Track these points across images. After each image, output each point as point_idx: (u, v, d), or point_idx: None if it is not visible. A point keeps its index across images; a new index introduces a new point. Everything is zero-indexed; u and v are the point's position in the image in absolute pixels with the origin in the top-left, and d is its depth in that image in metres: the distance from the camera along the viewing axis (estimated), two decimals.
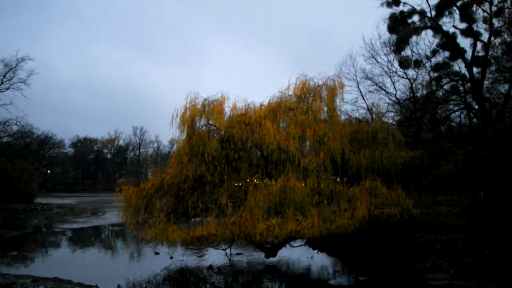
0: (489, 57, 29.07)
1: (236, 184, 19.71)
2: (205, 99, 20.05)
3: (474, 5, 29.49)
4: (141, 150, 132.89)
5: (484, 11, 29.28)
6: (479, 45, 30.45)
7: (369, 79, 36.36)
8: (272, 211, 17.45)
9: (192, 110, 19.75)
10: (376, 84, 36.37)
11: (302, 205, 17.31)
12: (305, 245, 22.18)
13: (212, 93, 20.19)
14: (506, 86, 29.63)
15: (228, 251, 20.57)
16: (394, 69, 35.78)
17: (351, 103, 36.39)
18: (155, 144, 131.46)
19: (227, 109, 20.28)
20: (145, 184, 19.47)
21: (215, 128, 20.21)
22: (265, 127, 18.71)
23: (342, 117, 25.72)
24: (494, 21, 27.86)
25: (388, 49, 35.41)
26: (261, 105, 20.61)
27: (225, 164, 18.81)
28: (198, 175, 18.63)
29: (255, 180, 19.37)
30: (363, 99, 36.58)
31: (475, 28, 30.65)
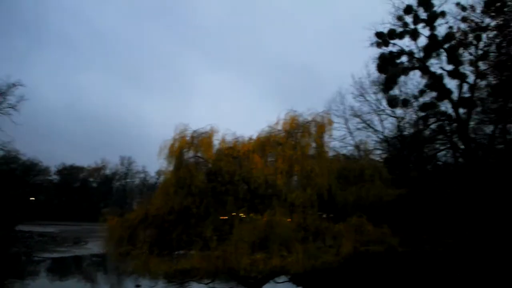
0: (474, 98, 29.68)
1: (222, 217, 19.52)
2: (194, 131, 20.02)
3: (461, 48, 30.36)
4: (128, 180, 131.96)
5: (470, 54, 30.13)
6: (465, 87, 31.12)
7: (358, 116, 36.87)
8: (257, 245, 17.25)
9: (180, 142, 19.69)
10: (364, 122, 36.86)
11: (288, 240, 17.14)
12: (289, 281, 21.91)
13: (201, 125, 20.15)
14: (491, 127, 30.15)
15: (211, 285, 20.22)
16: (382, 108, 36.35)
17: (339, 140, 36.71)
18: (142, 175, 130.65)
19: (216, 142, 20.23)
20: (130, 214, 19.22)
21: (203, 160, 20.13)
22: (253, 161, 18.69)
23: (330, 154, 25.75)
24: (480, 64, 28.63)
25: (376, 87, 36.06)
26: (250, 139, 20.62)
27: (212, 197, 18.69)
28: (184, 207, 18.45)
29: (241, 214, 19.21)
30: (351, 136, 36.99)
31: (461, 70, 31.38)
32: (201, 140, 19.85)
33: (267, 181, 18.73)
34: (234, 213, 19.49)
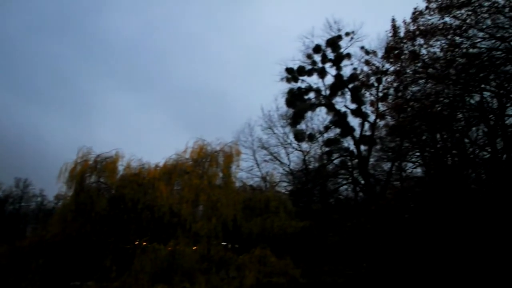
0: (374, 137, 31.57)
1: (123, 246, 18.72)
2: (98, 155, 19.23)
3: (363, 89, 32.36)
4: (23, 204, 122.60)
5: (371, 95, 32.18)
6: (366, 125, 33.12)
7: (265, 148, 37.56)
8: (159, 277, 16.70)
9: (83, 166, 18.80)
10: (272, 154, 37.61)
11: (191, 271, 16.80)
12: None
13: (105, 149, 19.46)
14: (389, 164, 32.09)
15: None
16: (289, 141, 37.37)
17: (247, 171, 37.05)
18: (39, 198, 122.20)
19: (121, 168, 19.55)
20: (22, 241, 17.84)
21: (106, 186, 19.32)
22: (158, 189, 18.27)
23: (237, 184, 25.87)
24: (380, 105, 30.62)
25: (284, 121, 37.05)
26: (156, 166, 20.18)
27: (113, 225, 17.90)
28: (83, 234, 17.48)
29: (144, 243, 18.55)
30: (258, 167, 37.51)
31: (363, 110, 33.45)
32: (105, 165, 19.09)
33: (172, 209, 18.33)
34: (136, 242, 18.80)
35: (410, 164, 29.81)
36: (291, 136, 36.91)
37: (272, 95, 39.47)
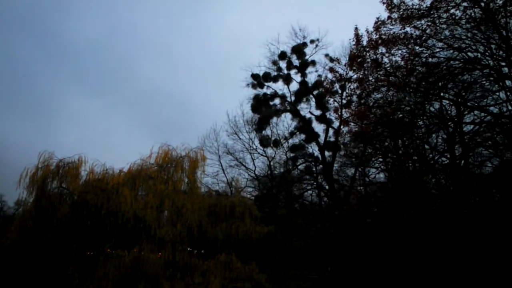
0: (338, 143, 32.09)
1: (86, 253, 18.39)
2: (61, 160, 18.84)
3: (328, 96, 32.88)
4: None
5: (335, 101, 32.73)
6: (331, 131, 33.71)
7: (231, 154, 37.62)
8: (123, 284, 16.49)
9: (44, 171, 18.37)
10: (237, 160, 37.70)
11: (155, 278, 16.66)
12: None
13: (68, 154, 19.09)
14: (353, 170, 32.69)
15: None
16: (254, 147, 37.56)
17: (212, 176, 37.03)
18: None
19: (84, 173, 19.20)
20: None
21: (68, 191, 18.94)
22: (122, 194, 18.03)
23: (202, 189, 25.94)
24: (344, 111, 31.18)
25: (250, 127, 37.24)
26: (121, 171, 19.91)
27: (76, 231, 17.56)
28: (44, 241, 17.07)
29: (107, 250, 18.27)
30: (224, 173, 37.51)
31: (328, 116, 34.01)
32: (67, 170, 18.71)
33: (137, 215, 18.11)
34: (100, 249, 18.50)
35: (373, 170, 30.48)
36: (257, 142, 37.17)
37: (238, 100, 39.67)
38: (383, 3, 22.62)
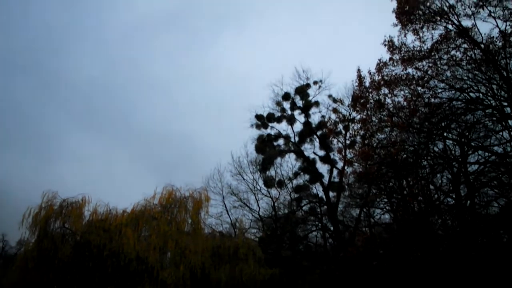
0: (343, 183, 31.94)
1: None
2: (64, 200, 18.89)
3: (331, 136, 33.02)
4: None
5: (339, 142, 32.82)
6: (335, 172, 33.56)
7: (235, 195, 37.33)
8: None
9: (47, 211, 18.39)
10: (241, 200, 37.39)
11: None
12: None
13: (71, 193, 19.10)
14: (358, 211, 32.36)
15: None
16: (258, 187, 37.27)
17: (216, 217, 36.64)
18: (0, 244, 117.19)
19: (87, 213, 19.22)
20: None
21: (70, 232, 18.85)
22: (125, 235, 17.95)
23: (206, 230, 25.74)
24: (348, 152, 31.23)
25: (254, 167, 37.15)
26: (124, 211, 19.91)
27: (77, 273, 17.35)
28: (45, 283, 16.88)
29: None
30: (228, 213, 37.14)
31: (332, 156, 33.99)
32: (70, 210, 18.71)
33: (139, 256, 17.96)
34: None
35: (378, 211, 30.16)
36: (261, 182, 36.97)
37: (241, 141, 39.82)
38: (385, 45, 23.08)
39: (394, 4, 23.29)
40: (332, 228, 32.81)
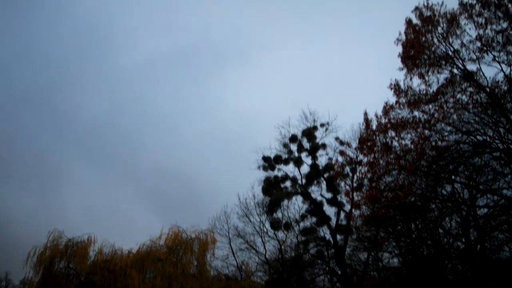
0: (350, 226, 31.61)
1: None
2: (70, 240, 18.87)
3: (339, 179, 32.94)
4: None
5: (346, 184, 32.69)
6: (342, 214, 33.30)
7: (241, 237, 37.01)
8: None
9: (52, 250, 18.35)
10: (248, 243, 37.03)
11: None
12: None
13: (75, 230, 19.09)
14: (366, 254, 31.88)
15: None
16: (265, 230, 36.99)
17: (222, 259, 36.20)
18: (3, 283, 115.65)
19: (92, 253, 19.13)
20: None
21: (75, 272, 18.70)
22: (130, 276, 17.79)
23: (212, 273, 25.39)
24: (355, 195, 31.05)
25: (261, 209, 36.96)
26: (129, 252, 19.78)
27: None
28: None
29: None
30: (234, 256, 36.72)
31: (339, 199, 33.79)
32: (75, 250, 18.64)
33: None
34: None
35: (386, 254, 29.71)
36: (268, 225, 36.72)
37: (247, 180, 39.67)
38: (391, 88, 23.38)
39: (400, 49, 23.77)
40: (339, 272, 32.26)
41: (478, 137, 21.08)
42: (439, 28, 22.61)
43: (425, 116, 22.08)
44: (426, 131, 22.11)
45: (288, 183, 35.93)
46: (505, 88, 20.16)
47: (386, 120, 23.27)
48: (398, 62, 23.60)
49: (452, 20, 22.14)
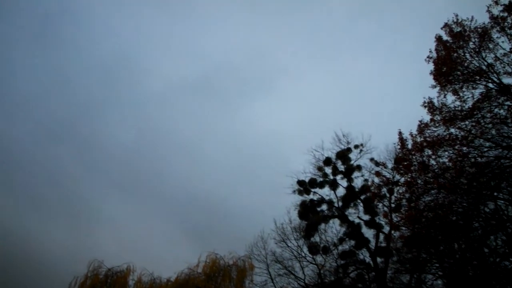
0: (390, 248, 30.95)
1: None
2: (109, 269, 19.17)
3: (376, 200, 32.44)
4: None
5: (384, 205, 32.16)
6: (381, 236, 32.61)
7: (279, 262, 36.60)
8: None
9: (93, 280, 18.67)
10: (286, 268, 36.57)
11: None
12: None
13: (109, 258, 19.36)
14: (408, 277, 31.06)
15: None
16: (303, 254, 36.52)
17: (261, 286, 35.77)
18: None
19: (131, 282, 19.34)
20: None
21: None
22: None
23: None
24: (393, 216, 30.49)
25: (298, 234, 36.60)
26: (168, 280, 19.92)
27: None
28: None
29: None
30: (273, 282, 36.26)
31: (377, 220, 33.16)
32: (115, 279, 18.88)
33: None
34: None
35: (429, 276, 28.87)
36: (305, 249, 36.28)
37: (283, 206, 39.37)
38: (425, 106, 23.12)
39: (431, 66, 23.58)
40: None
41: None
42: (471, 43, 22.39)
43: (462, 133, 21.69)
44: (464, 148, 21.68)
45: (324, 207, 35.58)
46: None
47: (422, 139, 22.97)
48: (431, 80, 23.42)
49: (484, 34, 21.91)
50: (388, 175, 31.76)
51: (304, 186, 35.88)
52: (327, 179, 35.74)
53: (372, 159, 34.69)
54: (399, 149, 25.10)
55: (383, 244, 32.33)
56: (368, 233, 33.45)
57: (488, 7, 21.91)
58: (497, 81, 21.28)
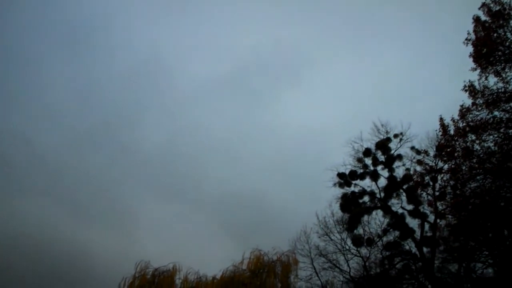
0: (437, 237, 30.29)
1: None
2: (156, 269, 19.53)
3: (419, 189, 31.75)
4: None
5: (428, 194, 31.45)
6: (427, 226, 31.91)
7: (323, 256, 36.40)
8: None
9: (141, 280, 19.08)
10: (330, 262, 36.35)
11: None
12: None
13: (154, 260, 19.75)
14: (456, 266, 30.34)
15: None
16: (347, 247, 36.19)
17: (306, 280, 35.71)
18: None
19: (178, 281, 19.67)
20: None
21: None
22: None
23: None
24: (438, 204, 29.79)
25: (341, 227, 36.29)
26: (213, 278, 20.09)
27: None
28: None
29: None
30: (318, 276, 36.13)
31: (421, 210, 32.47)
32: (162, 279, 19.27)
33: None
34: None
35: (479, 264, 28.11)
36: (349, 242, 35.94)
37: (324, 200, 38.99)
38: (465, 90, 22.44)
39: (470, 49, 22.85)
40: (430, 286, 30.83)
41: None
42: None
43: (507, 115, 20.93)
44: (510, 131, 20.92)
45: (366, 198, 35.11)
46: None
47: (464, 124, 22.30)
48: (470, 63, 22.71)
49: None
50: (430, 163, 31.06)
51: (345, 179, 35.52)
52: (367, 170, 35.26)
53: (413, 148, 34.02)
54: (441, 135, 24.41)
55: (429, 234, 31.66)
56: (413, 223, 32.83)
57: None
58: None
